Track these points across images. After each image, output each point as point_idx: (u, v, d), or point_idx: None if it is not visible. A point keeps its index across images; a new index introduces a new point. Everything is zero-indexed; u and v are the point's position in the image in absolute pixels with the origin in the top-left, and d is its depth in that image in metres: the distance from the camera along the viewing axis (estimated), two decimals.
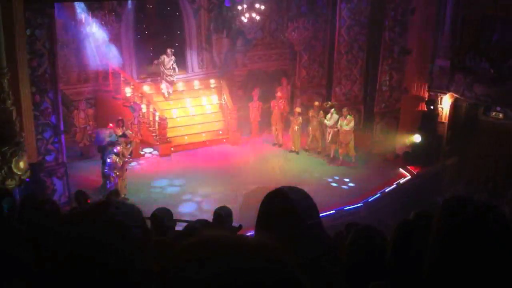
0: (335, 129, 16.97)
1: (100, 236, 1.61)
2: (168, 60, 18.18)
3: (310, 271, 2.19)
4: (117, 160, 13.84)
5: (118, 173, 13.87)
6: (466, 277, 1.87)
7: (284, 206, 2.35)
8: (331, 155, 17.34)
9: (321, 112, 17.57)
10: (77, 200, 10.06)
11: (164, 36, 19.85)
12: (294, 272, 1.11)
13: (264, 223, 2.33)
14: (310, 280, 2.15)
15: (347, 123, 16.69)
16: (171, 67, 18.34)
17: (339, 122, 16.85)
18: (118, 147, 14.14)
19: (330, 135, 17.10)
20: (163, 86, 18.72)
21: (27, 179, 10.97)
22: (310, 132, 17.83)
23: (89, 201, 9.59)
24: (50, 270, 1.88)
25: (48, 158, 13.05)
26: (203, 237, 1.15)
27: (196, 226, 6.16)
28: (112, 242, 1.60)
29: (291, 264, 1.13)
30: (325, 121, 17.10)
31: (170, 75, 18.45)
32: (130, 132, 15.74)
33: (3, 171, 10.22)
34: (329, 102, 18.16)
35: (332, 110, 17.28)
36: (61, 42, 15.93)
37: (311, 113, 17.79)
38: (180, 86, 19.77)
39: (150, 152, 17.79)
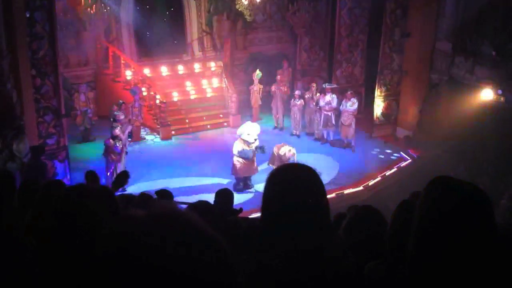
0: (336, 112, 17.00)
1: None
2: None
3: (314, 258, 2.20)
4: (114, 143, 13.75)
5: (114, 157, 13.78)
6: (448, 257, 1.90)
7: (290, 184, 2.30)
8: (325, 138, 17.44)
9: (318, 94, 17.56)
10: (87, 180, 10.00)
11: (164, 19, 19.74)
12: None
13: (269, 203, 2.30)
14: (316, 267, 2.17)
15: (351, 105, 16.69)
16: None
17: (342, 104, 16.84)
18: (116, 130, 14.07)
19: (325, 118, 17.10)
20: None
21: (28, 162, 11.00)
22: (307, 115, 17.86)
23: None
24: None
25: (49, 141, 13.04)
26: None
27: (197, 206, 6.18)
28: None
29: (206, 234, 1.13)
30: (322, 102, 17.06)
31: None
32: (121, 115, 15.45)
33: (3, 153, 10.23)
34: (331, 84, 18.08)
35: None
36: (60, 25, 15.85)
37: (307, 95, 17.77)
38: (180, 69, 19.72)
39: (152, 140, 17.78)
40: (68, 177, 13.34)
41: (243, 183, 14.00)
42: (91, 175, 9.85)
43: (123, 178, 10.35)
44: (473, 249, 1.89)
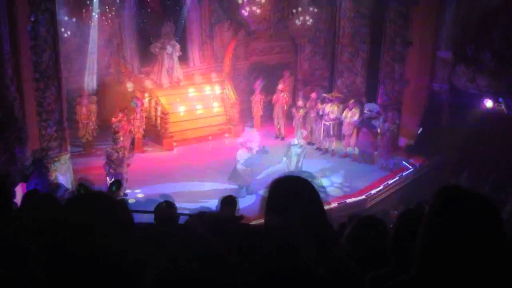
0: (337, 122, 17.02)
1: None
2: None
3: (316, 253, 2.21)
4: (114, 153, 13.69)
5: (116, 167, 13.65)
6: (454, 267, 1.89)
7: (288, 192, 2.50)
8: (326, 148, 17.42)
9: (319, 103, 17.57)
10: (79, 190, 10.00)
11: (167, 28, 19.70)
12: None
13: (271, 206, 2.48)
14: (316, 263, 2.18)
15: (352, 115, 16.70)
16: None
17: (344, 113, 16.86)
18: (118, 140, 14.01)
19: (325, 128, 17.11)
20: None
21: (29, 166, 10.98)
22: (308, 125, 17.85)
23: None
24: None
25: (50, 145, 12.97)
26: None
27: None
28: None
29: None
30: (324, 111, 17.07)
31: None
32: (118, 124, 15.30)
33: (5, 157, 10.20)
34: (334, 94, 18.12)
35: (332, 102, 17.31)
36: (64, 30, 15.85)
37: (308, 104, 17.78)
38: (181, 78, 19.65)
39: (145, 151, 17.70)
40: (70, 180, 13.27)
41: (246, 190, 14.01)
42: (83, 185, 9.88)
43: (115, 186, 10.46)
44: (480, 259, 1.87)
